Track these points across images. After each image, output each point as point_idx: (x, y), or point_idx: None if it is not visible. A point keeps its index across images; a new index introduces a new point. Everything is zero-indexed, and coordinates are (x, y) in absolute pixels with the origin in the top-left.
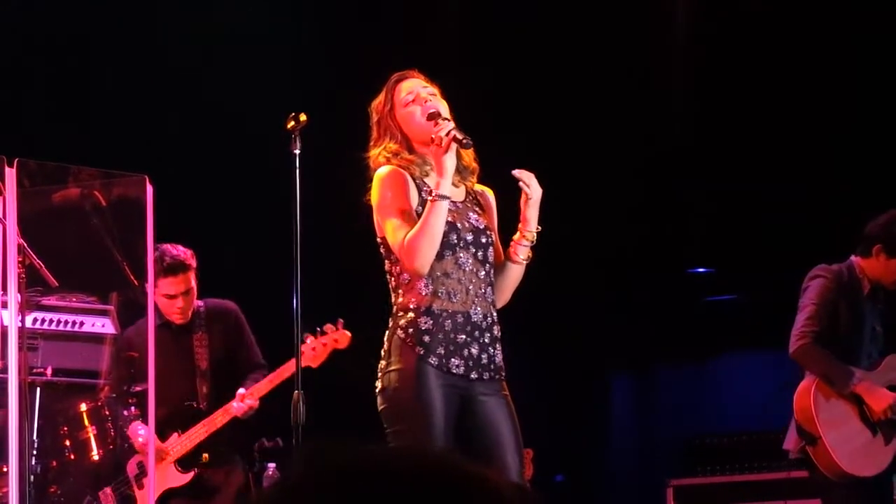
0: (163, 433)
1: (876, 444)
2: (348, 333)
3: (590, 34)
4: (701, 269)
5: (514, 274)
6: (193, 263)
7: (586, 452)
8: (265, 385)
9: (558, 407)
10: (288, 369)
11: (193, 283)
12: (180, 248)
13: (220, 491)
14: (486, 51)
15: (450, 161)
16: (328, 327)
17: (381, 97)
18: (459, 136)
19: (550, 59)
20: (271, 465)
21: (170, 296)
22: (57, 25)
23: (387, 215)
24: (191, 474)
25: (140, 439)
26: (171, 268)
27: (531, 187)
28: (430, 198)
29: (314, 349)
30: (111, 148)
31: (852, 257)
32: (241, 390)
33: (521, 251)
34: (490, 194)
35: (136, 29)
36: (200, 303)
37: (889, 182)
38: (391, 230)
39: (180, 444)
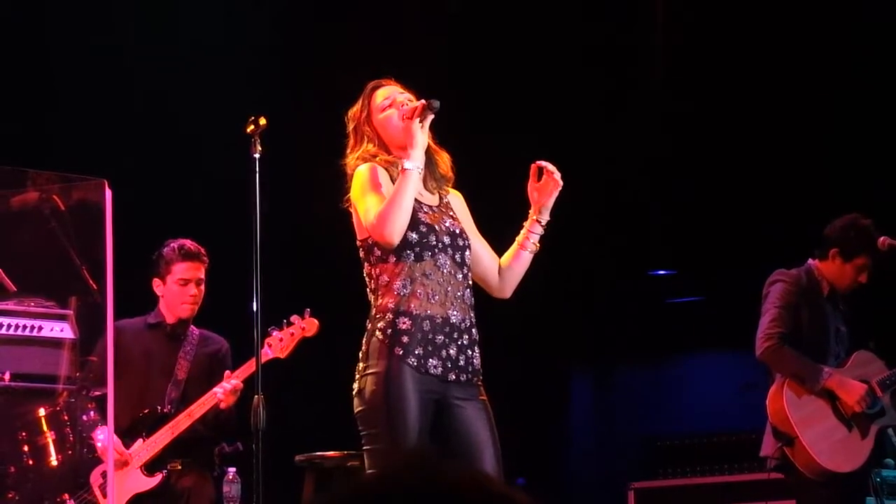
0: (128, 439)
1: (853, 438)
2: (316, 321)
3: (553, 38)
4: (662, 271)
5: (524, 263)
6: (206, 260)
7: (547, 455)
8: (247, 368)
9: (518, 409)
10: (265, 355)
11: (204, 277)
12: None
13: (191, 498)
14: (451, 59)
15: (418, 129)
16: (294, 318)
17: (357, 105)
18: (426, 102)
19: (509, 62)
20: (231, 470)
21: (185, 281)
22: (14, 29)
23: (362, 201)
24: (158, 477)
25: (99, 444)
26: (189, 253)
27: (557, 177)
28: (400, 168)
29: (281, 340)
30: (70, 152)
31: (810, 261)
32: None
33: (533, 238)
34: (461, 198)
35: (95, 33)
36: (196, 328)
37: (850, 184)
38: (364, 211)
39: (145, 448)
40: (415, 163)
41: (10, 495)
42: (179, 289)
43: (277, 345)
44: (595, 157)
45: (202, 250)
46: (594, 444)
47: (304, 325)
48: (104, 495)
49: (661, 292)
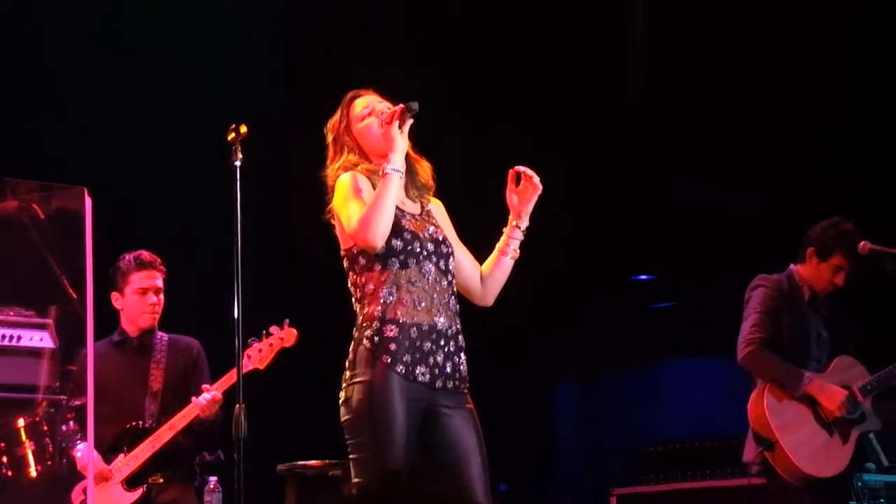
0: (109, 454)
1: (833, 443)
2: (294, 331)
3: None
4: (644, 277)
5: (505, 270)
6: (164, 269)
7: (531, 461)
8: (226, 381)
9: (502, 415)
10: (245, 366)
11: (163, 286)
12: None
13: None
14: (431, 61)
15: (397, 133)
16: (273, 328)
17: (336, 115)
18: (405, 104)
19: (489, 71)
20: (212, 479)
21: (143, 290)
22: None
23: (345, 209)
24: (139, 492)
25: (79, 458)
26: (144, 263)
27: (536, 181)
28: (381, 172)
29: (260, 350)
30: (50, 160)
31: (791, 266)
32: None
33: (513, 244)
34: (441, 206)
35: (75, 42)
36: (163, 334)
37: (836, 189)
38: (347, 218)
39: (126, 463)
40: (395, 166)
41: None
42: (139, 298)
43: (256, 356)
44: (577, 163)
45: (158, 259)
46: (579, 449)
47: (283, 336)
48: None
49: (644, 298)
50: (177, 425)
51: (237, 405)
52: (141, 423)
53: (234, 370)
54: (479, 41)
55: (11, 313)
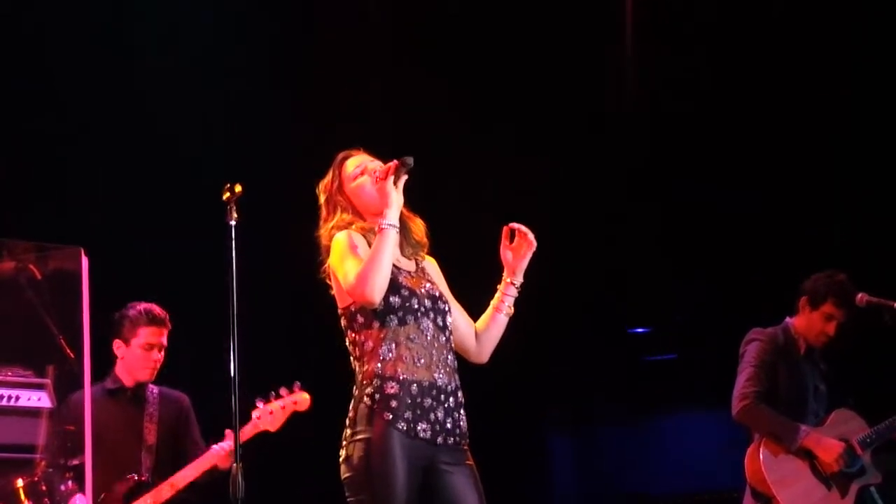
0: (111, 501)
1: (832, 497)
2: (307, 395)
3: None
4: (640, 329)
5: (500, 326)
6: (170, 326)
7: None
8: (244, 434)
9: (498, 468)
10: (255, 427)
11: (166, 344)
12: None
13: None
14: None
15: (392, 189)
16: (283, 390)
17: (327, 176)
18: (399, 160)
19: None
20: None
21: (150, 346)
22: None
23: (341, 266)
24: None
25: None
26: (156, 319)
27: (531, 238)
28: (377, 228)
29: (272, 413)
30: (45, 222)
31: (787, 319)
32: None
33: (508, 301)
34: (435, 264)
35: (68, 101)
36: (153, 386)
37: (833, 241)
38: (344, 275)
39: None
40: (391, 221)
41: None
42: (143, 353)
43: (267, 418)
44: (569, 215)
45: (167, 315)
46: (574, 502)
47: (297, 400)
48: None
49: (640, 350)
50: (178, 484)
51: (234, 464)
52: (138, 476)
53: (250, 426)
54: (477, 42)
55: (10, 373)
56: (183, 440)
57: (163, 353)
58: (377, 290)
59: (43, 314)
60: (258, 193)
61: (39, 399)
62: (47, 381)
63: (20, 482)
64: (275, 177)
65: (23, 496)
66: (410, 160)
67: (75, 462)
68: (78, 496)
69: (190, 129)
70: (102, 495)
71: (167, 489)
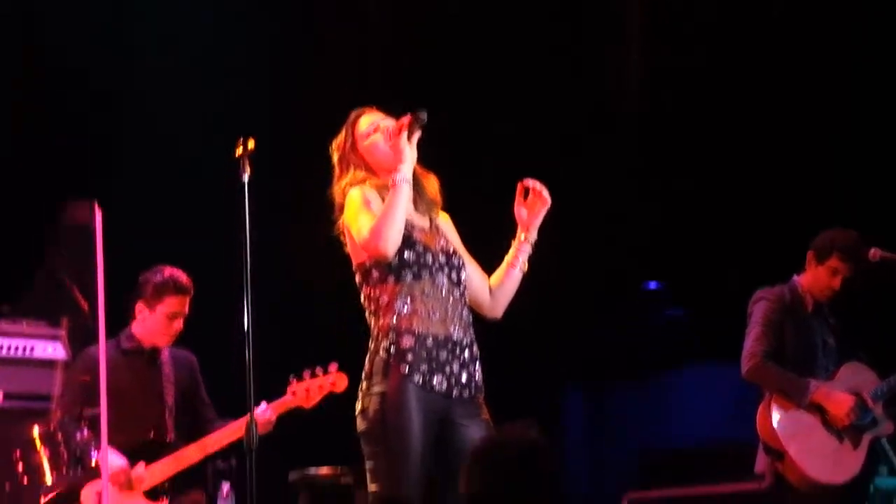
0: (130, 461)
1: (844, 450)
2: (345, 377)
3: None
4: (653, 285)
5: (514, 282)
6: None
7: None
8: (280, 405)
9: (510, 422)
10: (287, 402)
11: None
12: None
13: None
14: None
15: (406, 144)
16: (318, 370)
17: (340, 135)
18: (413, 114)
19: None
20: (225, 486)
21: (174, 314)
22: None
23: (356, 222)
24: (163, 502)
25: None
26: (183, 288)
27: (545, 195)
28: (390, 182)
29: (308, 390)
30: (59, 174)
31: (794, 277)
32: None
33: (522, 257)
34: (449, 220)
35: (85, 56)
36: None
37: (844, 197)
38: (358, 230)
39: (148, 474)
40: (405, 176)
41: None
42: (167, 321)
43: (303, 394)
44: (582, 171)
45: (191, 283)
46: (588, 457)
47: (334, 381)
48: None
49: (654, 306)
50: (209, 448)
51: (248, 414)
52: (163, 436)
53: (287, 396)
54: (476, 40)
55: (25, 325)
56: (194, 400)
57: (183, 320)
58: (391, 244)
59: (57, 265)
60: (271, 149)
61: (54, 350)
62: (62, 332)
63: (36, 430)
64: (287, 132)
65: (39, 444)
66: (424, 114)
67: (90, 412)
68: (95, 447)
69: (204, 82)
70: (121, 450)
71: (195, 451)
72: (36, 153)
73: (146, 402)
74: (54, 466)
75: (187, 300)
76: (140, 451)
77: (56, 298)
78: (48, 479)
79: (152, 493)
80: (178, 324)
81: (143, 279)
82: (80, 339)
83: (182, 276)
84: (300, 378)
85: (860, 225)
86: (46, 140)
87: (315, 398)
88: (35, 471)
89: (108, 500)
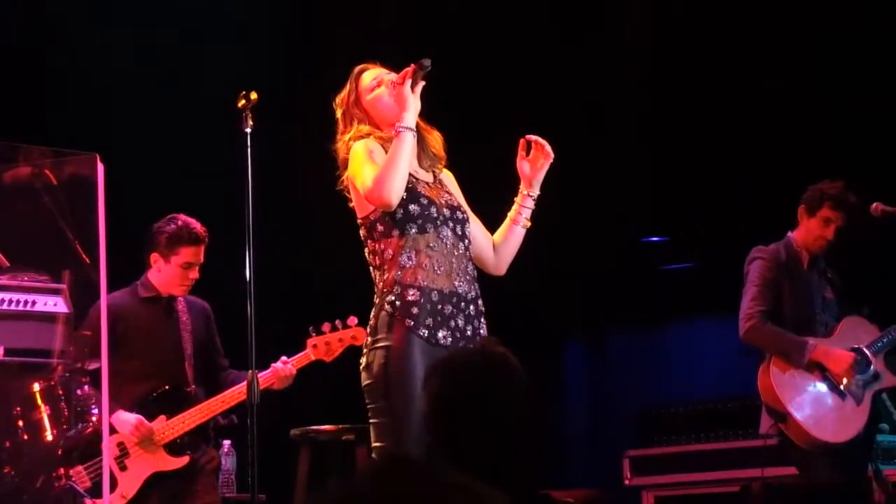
0: (151, 413)
1: (846, 407)
2: (365, 330)
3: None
4: (654, 238)
5: (517, 238)
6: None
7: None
8: (303, 358)
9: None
10: (307, 357)
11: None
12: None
13: (203, 471)
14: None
15: (409, 93)
16: (338, 322)
17: (344, 89)
18: (416, 63)
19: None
20: (226, 443)
21: (188, 265)
22: (4, 7)
23: (360, 173)
24: (185, 458)
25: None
26: (197, 238)
27: (548, 149)
28: (394, 131)
29: (328, 343)
30: (61, 126)
31: (788, 234)
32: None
33: (525, 213)
34: (452, 177)
35: (85, 8)
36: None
37: (846, 152)
38: (362, 181)
39: (170, 427)
40: (408, 124)
41: (6, 470)
42: (182, 272)
43: (323, 347)
44: (584, 125)
45: (206, 231)
46: (589, 412)
47: (354, 334)
48: (121, 468)
49: (654, 259)
50: (230, 401)
51: (249, 371)
52: (185, 387)
53: (307, 350)
54: (475, 35)
55: (26, 278)
56: (210, 349)
57: (199, 269)
58: (395, 192)
59: (59, 219)
60: (273, 103)
61: (56, 304)
62: (63, 286)
63: (37, 386)
64: (290, 86)
65: (40, 400)
66: (428, 62)
67: (92, 367)
68: (94, 407)
69: (207, 33)
70: (139, 400)
71: (217, 404)
72: (37, 108)
73: (165, 351)
74: (55, 423)
75: (202, 249)
76: (160, 402)
77: (57, 252)
78: (49, 436)
79: (172, 448)
80: (194, 273)
81: (157, 229)
82: (82, 293)
83: (196, 226)
84: (319, 332)
85: (863, 179)
86: (49, 94)
87: (335, 351)
88: (36, 427)
89: (107, 476)
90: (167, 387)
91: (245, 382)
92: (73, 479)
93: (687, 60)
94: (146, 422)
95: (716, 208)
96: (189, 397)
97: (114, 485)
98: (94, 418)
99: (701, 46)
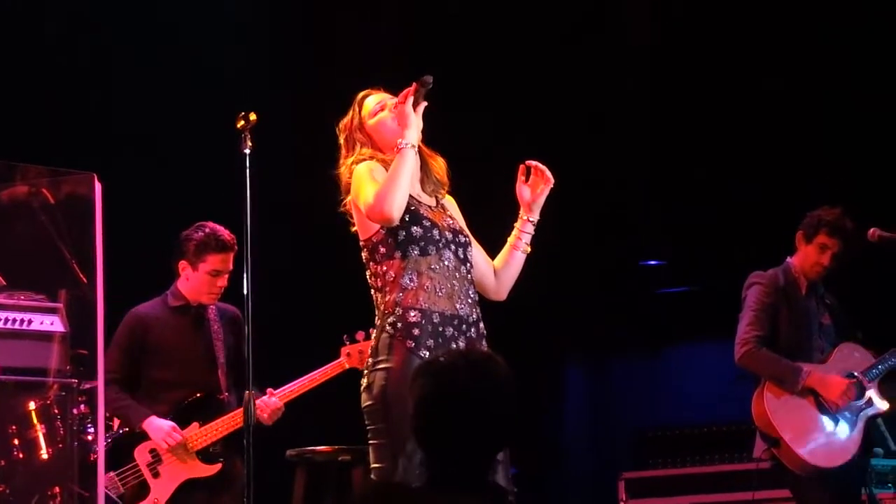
0: (184, 421)
1: (839, 432)
2: None
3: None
4: (653, 262)
5: (517, 264)
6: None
7: (539, 445)
8: (291, 392)
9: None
10: (341, 365)
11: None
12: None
13: (234, 480)
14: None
15: (411, 111)
16: (372, 331)
17: (348, 115)
18: (418, 81)
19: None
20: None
21: (216, 272)
22: (3, 24)
23: (362, 193)
24: (218, 466)
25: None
26: (225, 245)
27: (548, 175)
28: (396, 149)
29: (361, 351)
30: (59, 146)
31: (787, 259)
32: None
33: (525, 238)
34: (454, 202)
35: (84, 28)
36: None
37: (846, 177)
38: (364, 199)
39: (203, 434)
40: (410, 141)
41: (1, 488)
42: (210, 279)
43: (357, 356)
44: (584, 150)
45: (234, 239)
46: (586, 434)
47: None
48: (154, 475)
49: (652, 283)
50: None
51: (247, 391)
52: (219, 395)
53: (341, 359)
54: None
55: (22, 297)
56: (239, 357)
57: (227, 276)
58: (396, 208)
59: (56, 238)
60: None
61: (52, 323)
62: (60, 305)
63: (32, 405)
64: (290, 107)
65: (35, 419)
66: (430, 79)
67: (88, 386)
68: (89, 426)
69: (206, 54)
70: (171, 410)
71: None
72: (36, 127)
73: (197, 360)
74: (50, 442)
75: (230, 257)
76: (194, 410)
77: (54, 271)
78: (44, 454)
79: (205, 455)
80: (222, 281)
81: (185, 237)
82: (78, 312)
83: (224, 233)
84: (353, 340)
85: (862, 205)
86: (47, 114)
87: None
88: (31, 445)
89: (102, 488)
90: (200, 394)
91: (259, 401)
92: (106, 486)
93: (686, 60)
94: (178, 429)
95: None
96: (222, 405)
97: (147, 491)
98: (89, 437)
99: (700, 46)
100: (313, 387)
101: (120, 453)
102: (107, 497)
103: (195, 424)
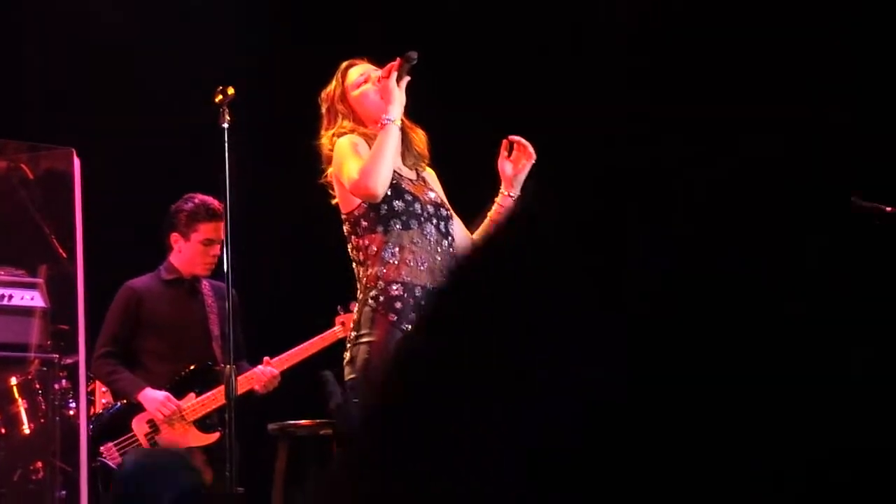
0: (180, 391)
1: None
2: None
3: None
4: None
5: None
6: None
7: None
8: (285, 360)
9: None
10: (335, 334)
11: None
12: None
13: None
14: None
15: (395, 86)
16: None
17: (330, 85)
18: (402, 56)
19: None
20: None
21: (209, 241)
22: None
23: (345, 167)
24: (216, 435)
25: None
26: (215, 213)
27: (531, 150)
28: (379, 124)
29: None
30: (38, 121)
31: None
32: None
33: (505, 213)
34: (434, 175)
35: (63, 1)
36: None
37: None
38: (347, 173)
39: (201, 404)
40: (393, 117)
41: None
42: (203, 249)
43: (350, 326)
44: (567, 128)
45: (223, 208)
46: None
47: None
48: (151, 445)
49: None
50: (250, 381)
51: (227, 366)
52: (214, 365)
53: (336, 327)
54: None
55: (2, 273)
56: (236, 331)
57: (220, 246)
58: (381, 184)
59: (35, 214)
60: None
61: (33, 298)
62: (40, 280)
63: (14, 380)
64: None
65: (17, 394)
66: (414, 55)
67: (69, 361)
68: (71, 401)
69: (184, 32)
70: (165, 381)
71: (245, 382)
72: (14, 103)
73: (192, 332)
74: (32, 417)
75: (221, 225)
76: (190, 380)
77: (34, 246)
78: (26, 429)
79: (202, 425)
80: (215, 250)
81: (175, 209)
82: (58, 287)
83: (213, 202)
84: (347, 310)
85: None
86: (24, 89)
87: None
88: (13, 421)
89: (85, 463)
90: (195, 366)
91: (250, 373)
92: (104, 455)
93: (686, 62)
94: (173, 398)
95: None
96: (219, 375)
97: None
98: (103, 401)
99: (700, 47)
100: (308, 355)
101: (118, 424)
102: (105, 466)
103: (191, 395)
